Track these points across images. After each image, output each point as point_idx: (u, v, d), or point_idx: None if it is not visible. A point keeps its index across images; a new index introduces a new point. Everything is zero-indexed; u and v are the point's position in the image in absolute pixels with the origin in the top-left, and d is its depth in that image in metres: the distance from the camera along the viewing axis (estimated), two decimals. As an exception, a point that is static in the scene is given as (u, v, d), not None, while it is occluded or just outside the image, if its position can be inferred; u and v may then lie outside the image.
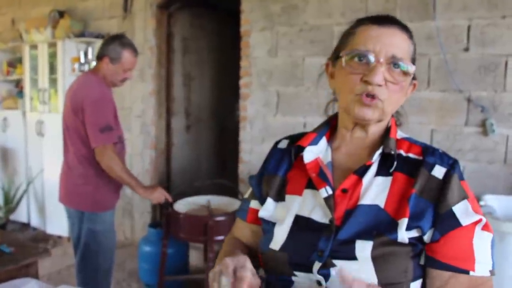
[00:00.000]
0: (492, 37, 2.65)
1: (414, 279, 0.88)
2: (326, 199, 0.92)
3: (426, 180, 0.89)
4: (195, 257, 3.66)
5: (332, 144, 1.03)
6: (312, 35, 3.23)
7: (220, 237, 2.55)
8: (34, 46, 4.61)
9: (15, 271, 1.80)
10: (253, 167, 3.53)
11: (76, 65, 4.28)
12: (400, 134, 1.00)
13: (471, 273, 0.84)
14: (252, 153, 3.55)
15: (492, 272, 0.86)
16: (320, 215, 0.93)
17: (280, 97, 3.40)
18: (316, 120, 3.24)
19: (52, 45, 4.40)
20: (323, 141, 1.03)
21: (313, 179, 0.96)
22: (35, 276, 1.87)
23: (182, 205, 2.85)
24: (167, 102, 4.33)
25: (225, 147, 4.86)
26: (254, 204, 1.10)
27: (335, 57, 1.00)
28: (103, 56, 2.52)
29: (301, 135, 1.06)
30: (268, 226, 1.00)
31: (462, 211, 0.86)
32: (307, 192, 0.98)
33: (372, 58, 0.90)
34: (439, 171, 0.90)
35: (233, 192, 3.14)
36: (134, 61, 2.59)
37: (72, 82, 2.67)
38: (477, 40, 2.69)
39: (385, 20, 0.94)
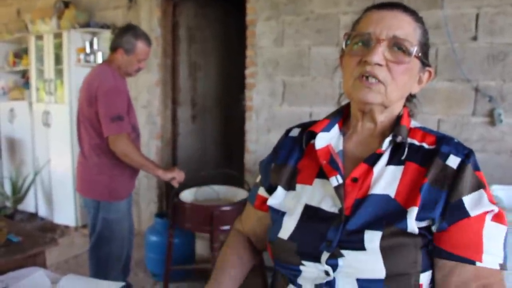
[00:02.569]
0: (501, 25, 2.62)
1: (424, 270, 0.87)
2: (336, 188, 0.91)
3: (439, 169, 0.87)
4: (201, 247, 3.68)
5: (344, 133, 1.02)
6: (319, 24, 3.20)
7: (226, 227, 2.56)
8: (39, 37, 4.61)
9: (22, 260, 1.81)
10: (259, 157, 3.53)
11: (82, 56, 4.28)
12: (414, 123, 0.98)
13: (478, 263, 0.82)
14: (258, 143, 3.54)
15: (502, 266, 0.83)
16: (330, 205, 0.92)
17: (286, 86, 3.38)
18: (322, 109, 3.24)
19: (58, 35, 4.40)
20: (336, 128, 1.02)
21: (323, 167, 0.95)
22: (43, 265, 1.89)
23: (188, 195, 2.85)
24: (173, 92, 4.33)
25: (230, 137, 4.86)
26: (261, 191, 1.10)
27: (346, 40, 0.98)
28: (117, 47, 2.56)
29: (313, 123, 1.05)
30: (277, 215, 0.98)
31: (473, 201, 0.84)
32: (318, 182, 0.97)
33: (371, 39, 0.89)
34: (453, 161, 0.88)
35: (239, 181, 3.14)
36: (148, 51, 2.64)
37: (85, 73, 2.71)
38: (485, 29, 2.66)
39: (389, 5, 0.93)
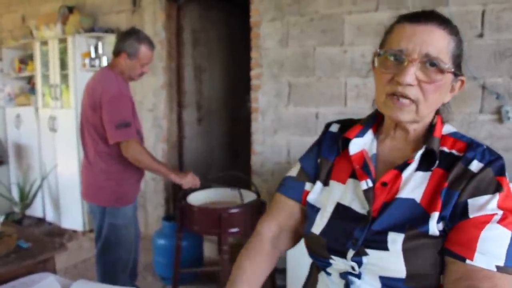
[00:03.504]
0: (507, 22, 2.60)
1: (443, 272, 0.88)
2: (366, 191, 0.96)
3: (460, 173, 0.89)
4: (209, 250, 3.67)
5: (378, 136, 1.05)
6: (323, 25, 3.19)
7: (234, 229, 2.55)
8: (44, 43, 4.62)
9: (33, 266, 1.81)
10: (266, 158, 3.53)
11: (87, 60, 4.29)
12: (446, 129, 0.99)
13: (468, 261, 0.83)
14: (265, 144, 3.54)
15: (502, 269, 0.81)
16: (359, 206, 0.97)
17: (292, 87, 3.38)
18: (329, 110, 3.23)
19: (63, 41, 4.42)
20: (369, 133, 1.05)
21: (356, 171, 1.00)
22: (53, 270, 1.89)
23: (196, 198, 2.85)
24: (178, 95, 4.33)
25: (237, 139, 4.86)
26: (308, 186, 1.10)
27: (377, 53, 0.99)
28: (120, 52, 2.55)
29: (350, 122, 1.09)
30: (312, 211, 1.04)
31: (478, 204, 0.85)
32: (350, 182, 1.01)
33: (403, 57, 0.89)
34: (476, 166, 0.89)
35: (245, 183, 3.14)
36: (151, 55, 2.63)
37: (89, 78, 2.69)
38: (491, 25, 2.64)
39: (422, 17, 0.91)
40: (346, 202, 0.99)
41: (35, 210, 5.00)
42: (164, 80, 4.14)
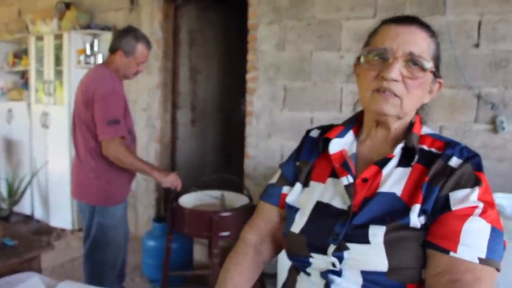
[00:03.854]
0: (504, 33, 2.60)
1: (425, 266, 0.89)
2: (347, 187, 0.98)
3: (440, 169, 0.92)
4: (199, 253, 3.65)
5: (358, 138, 1.09)
6: (320, 30, 3.19)
7: (225, 233, 2.53)
8: (40, 38, 4.58)
9: (17, 264, 1.79)
10: (259, 162, 3.51)
11: (82, 57, 4.26)
12: (425, 130, 1.03)
13: (451, 253, 0.84)
14: (258, 148, 3.52)
15: (487, 262, 0.83)
16: (340, 202, 0.98)
17: (287, 91, 3.36)
18: (324, 115, 3.22)
19: (58, 36, 4.38)
20: (350, 134, 1.09)
21: (336, 169, 1.02)
22: (38, 270, 1.86)
23: (187, 200, 2.82)
24: (173, 95, 4.31)
25: (230, 142, 4.84)
26: (286, 189, 1.12)
27: (359, 56, 1.04)
28: (116, 49, 2.52)
29: (331, 127, 1.12)
30: (291, 212, 1.06)
31: (460, 197, 0.88)
32: (330, 181, 1.04)
33: (388, 55, 0.94)
34: (455, 162, 0.92)
35: (238, 187, 3.12)
36: (148, 54, 2.61)
37: (83, 74, 2.66)
38: (488, 36, 2.65)
39: (406, 20, 0.98)
40: (326, 199, 1.01)
41: (23, 207, 4.94)
42: (159, 80, 4.11)
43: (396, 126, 1.01)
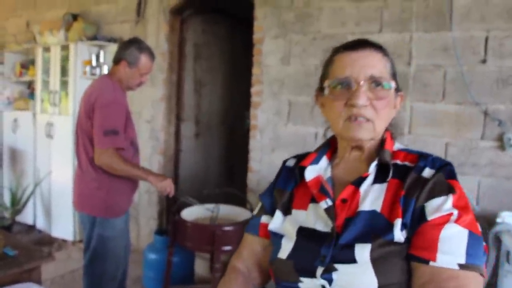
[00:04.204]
0: (511, 49, 2.59)
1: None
2: (327, 210, 0.99)
3: (414, 181, 0.94)
4: (201, 267, 3.61)
5: (332, 162, 1.11)
6: (326, 44, 3.18)
7: (228, 247, 2.50)
8: (47, 48, 4.62)
9: (18, 275, 1.77)
10: (263, 177, 3.48)
11: (88, 68, 4.28)
12: (397, 146, 1.06)
13: (431, 263, 0.85)
14: (262, 162, 3.50)
15: (464, 267, 0.83)
16: (323, 225, 0.99)
17: (292, 106, 3.35)
18: (328, 131, 3.19)
19: (65, 47, 4.41)
20: (324, 160, 1.11)
21: (314, 195, 1.03)
22: (38, 281, 1.84)
23: (189, 213, 2.80)
24: (177, 108, 4.31)
25: (233, 155, 4.82)
26: (265, 219, 1.14)
27: (320, 87, 1.07)
28: (120, 60, 2.52)
29: (306, 155, 1.13)
30: (276, 238, 1.06)
31: (434, 206, 0.89)
32: (311, 206, 1.04)
33: (352, 83, 0.97)
34: (428, 173, 0.94)
35: (241, 201, 3.09)
36: (151, 65, 2.60)
37: (87, 85, 2.66)
38: (495, 52, 2.63)
39: (358, 45, 1.01)
40: (309, 224, 1.01)
41: (26, 217, 4.92)
42: (163, 92, 4.12)
43: (369, 145, 1.04)
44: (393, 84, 0.99)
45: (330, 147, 1.13)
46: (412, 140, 2.86)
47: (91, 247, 2.54)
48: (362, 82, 0.96)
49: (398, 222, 0.89)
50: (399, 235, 0.89)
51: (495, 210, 2.46)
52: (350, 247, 0.91)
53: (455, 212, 0.87)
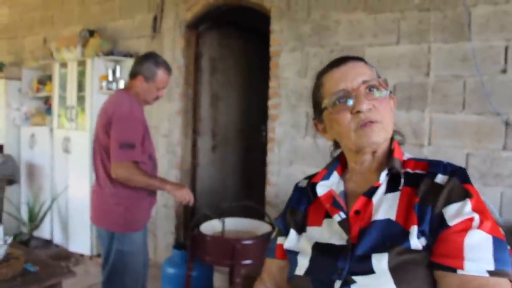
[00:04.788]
0: (532, 59, 2.56)
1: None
2: (341, 223, 0.99)
3: (428, 188, 0.93)
4: (219, 281, 3.58)
5: (344, 177, 1.11)
6: (343, 56, 3.17)
7: (248, 261, 2.47)
8: (64, 64, 4.67)
9: (39, 291, 1.76)
10: (281, 190, 3.46)
11: (104, 83, 4.31)
12: (406, 156, 1.06)
13: (459, 271, 0.83)
14: (280, 175, 3.48)
15: (498, 273, 0.81)
16: (338, 239, 0.98)
17: (309, 118, 3.33)
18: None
19: (81, 63, 4.46)
20: (335, 175, 1.11)
21: (327, 209, 1.04)
22: (59, 296, 1.83)
23: (208, 227, 2.78)
24: (194, 122, 4.32)
25: (250, 169, 4.81)
26: (281, 240, 1.15)
27: (318, 113, 1.10)
28: (137, 74, 2.53)
29: (316, 174, 1.14)
30: (292, 255, 1.06)
31: (454, 211, 0.87)
32: (326, 222, 1.04)
33: (349, 92, 0.99)
34: (441, 179, 0.94)
35: (260, 214, 3.07)
36: (168, 79, 2.61)
37: (104, 100, 2.67)
38: (516, 62, 2.60)
39: (341, 61, 1.05)
40: (325, 240, 1.01)
41: (43, 232, 4.95)
42: (180, 106, 4.13)
43: (379, 152, 1.04)
44: (384, 84, 1.01)
45: (340, 162, 1.14)
46: (433, 151, 2.82)
47: (110, 262, 2.52)
48: (358, 89, 0.98)
49: (414, 229, 0.88)
50: (416, 242, 0.87)
51: (519, 222, 2.41)
52: (367, 257, 0.90)
53: (476, 216, 0.86)
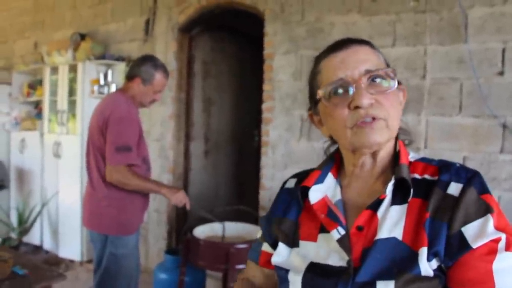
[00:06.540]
0: (529, 61, 2.55)
1: None
2: (340, 241, 0.84)
3: (440, 200, 0.80)
4: (211, 287, 3.52)
5: (341, 182, 0.96)
6: (338, 59, 3.14)
7: (242, 266, 2.42)
8: (54, 68, 4.61)
9: (27, 295, 1.70)
10: (275, 194, 3.39)
11: (96, 87, 4.26)
12: (412, 156, 0.92)
13: None
14: (274, 179, 3.43)
15: None
16: (337, 259, 0.84)
17: (304, 121, 3.30)
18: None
19: (73, 67, 4.40)
20: (330, 178, 0.96)
21: (322, 221, 0.88)
22: (48, 301, 1.77)
23: (201, 231, 2.73)
24: (186, 126, 4.27)
25: (243, 173, 4.77)
26: (265, 247, 1.04)
27: (313, 104, 0.95)
28: (134, 76, 2.49)
29: (307, 173, 0.98)
30: (282, 273, 0.92)
31: (476, 231, 0.75)
32: (321, 237, 0.89)
33: (348, 83, 0.84)
34: (455, 189, 0.80)
35: (253, 218, 3.02)
36: (165, 83, 2.58)
37: (95, 104, 2.63)
38: (512, 64, 2.59)
39: (343, 43, 0.89)
40: (321, 260, 0.86)
41: (33, 237, 4.86)
42: (172, 111, 4.09)
43: (382, 154, 0.90)
44: (392, 74, 0.85)
45: (335, 163, 0.98)
46: (429, 155, 2.79)
47: (102, 266, 2.47)
48: (359, 79, 0.83)
49: (423, 252, 0.76)
50: (426, 267, 0.76)
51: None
52: (371, 285, 0.77)
53: (503, 236, 0.75)
